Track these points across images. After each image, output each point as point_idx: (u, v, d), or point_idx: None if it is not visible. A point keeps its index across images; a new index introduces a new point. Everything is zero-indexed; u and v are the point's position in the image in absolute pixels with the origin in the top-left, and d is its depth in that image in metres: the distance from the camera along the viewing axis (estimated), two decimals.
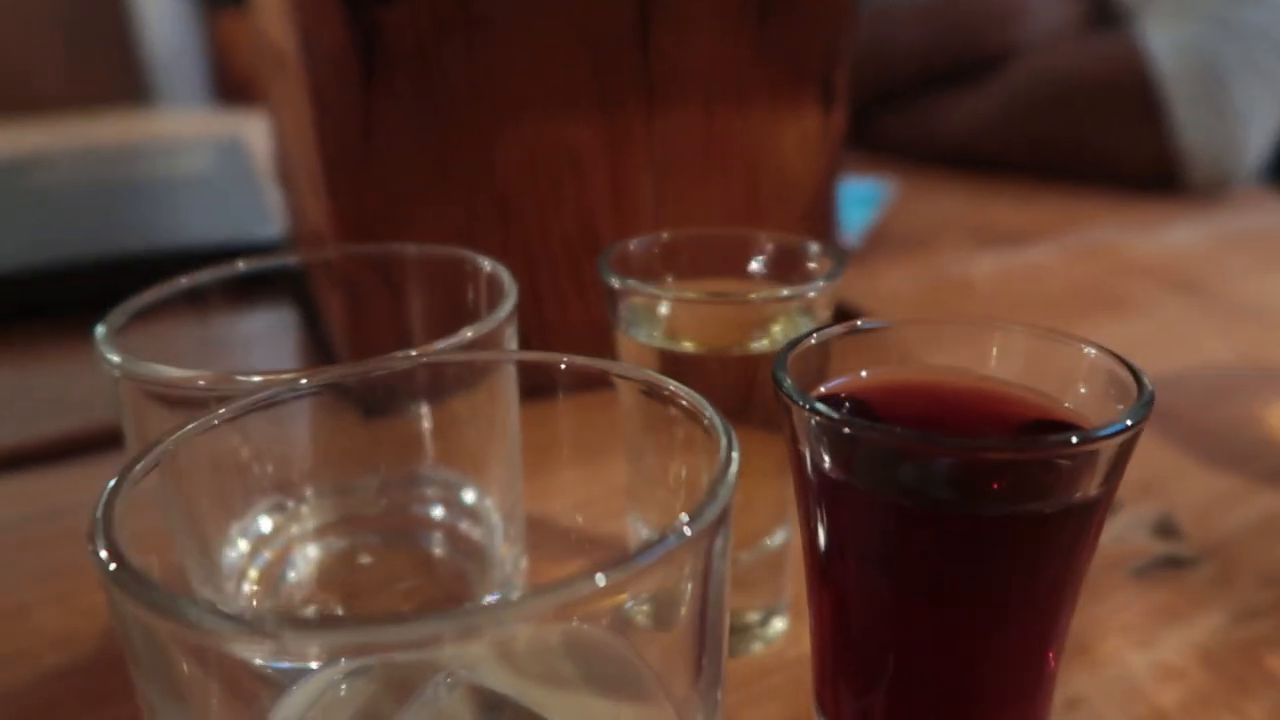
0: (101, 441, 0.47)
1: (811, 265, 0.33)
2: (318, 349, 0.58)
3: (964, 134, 0.92)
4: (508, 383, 0.32)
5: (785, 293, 0.31)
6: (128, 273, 0.63)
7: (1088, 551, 0.23)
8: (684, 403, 0.22)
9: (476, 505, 0.36)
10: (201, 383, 0.24)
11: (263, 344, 0.57)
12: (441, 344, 0.28)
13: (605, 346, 0.50)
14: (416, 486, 0.36)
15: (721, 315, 0.34)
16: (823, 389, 0.24)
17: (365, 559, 0.34)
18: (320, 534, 0.34)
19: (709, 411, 0.21)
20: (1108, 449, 0.21)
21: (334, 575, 0.33)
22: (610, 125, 0.49)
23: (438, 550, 0.35)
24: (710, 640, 0.21)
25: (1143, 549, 0.40)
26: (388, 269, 0.37)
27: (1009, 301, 0.67)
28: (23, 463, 0.47)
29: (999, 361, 0.25)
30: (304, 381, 0.24)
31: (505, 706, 0.23)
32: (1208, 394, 0.54)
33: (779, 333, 0.32)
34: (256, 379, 0.24)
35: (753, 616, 0.35)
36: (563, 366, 0.25)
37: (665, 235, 0.34)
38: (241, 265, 0.35)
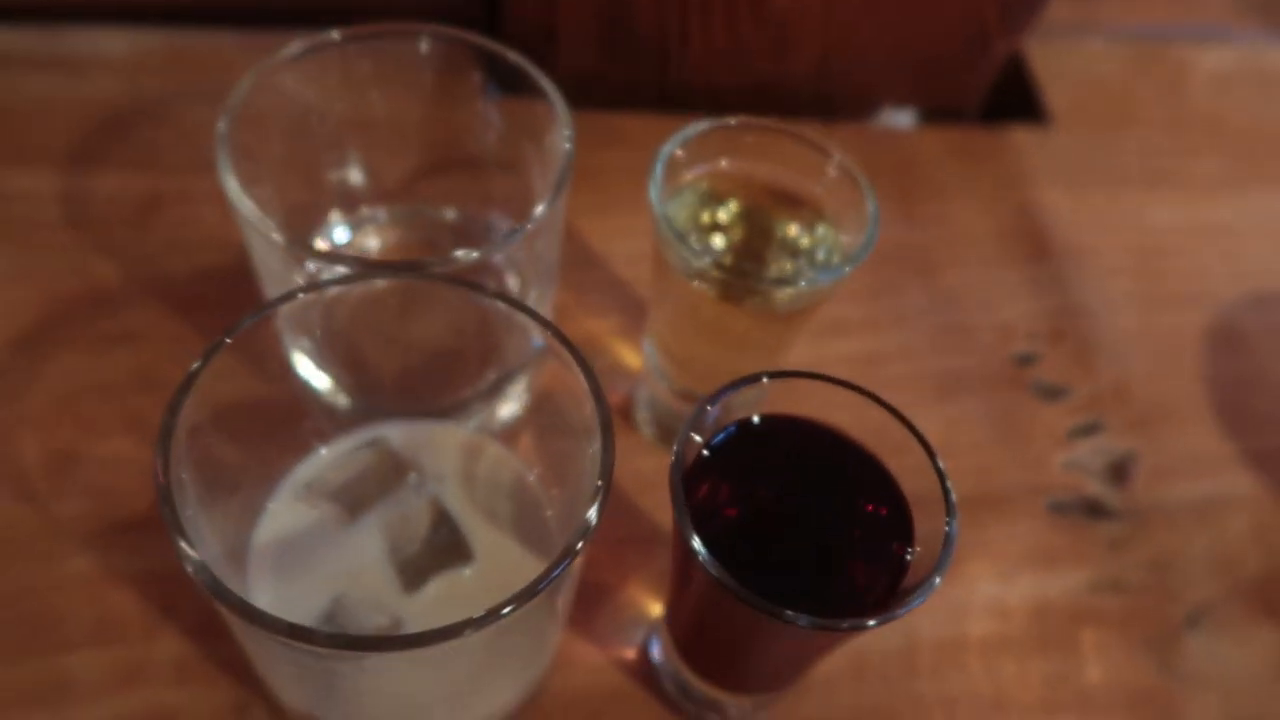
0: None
1: (851, 217, 0.35)
2: None
3: None
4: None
5: (802, 284, 0.33)
6: None
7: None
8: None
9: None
10: (276, 236, 0.30)
11: None
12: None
13: (743, 75, 0.51)
14: (486, 233, 0.43)
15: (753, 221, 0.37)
16: (712, 443, 0.28)
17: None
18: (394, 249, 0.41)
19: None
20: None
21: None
22: None
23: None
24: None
25: (1079, 485, 0.44)
26: None
27: (1208, 128, 0.60)
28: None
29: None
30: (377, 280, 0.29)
31: (447, 524, 0.32)
32: None
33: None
34: (341, 270, 0.29)
35: None
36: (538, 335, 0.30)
37: (732, 121, 0.35)
38: None
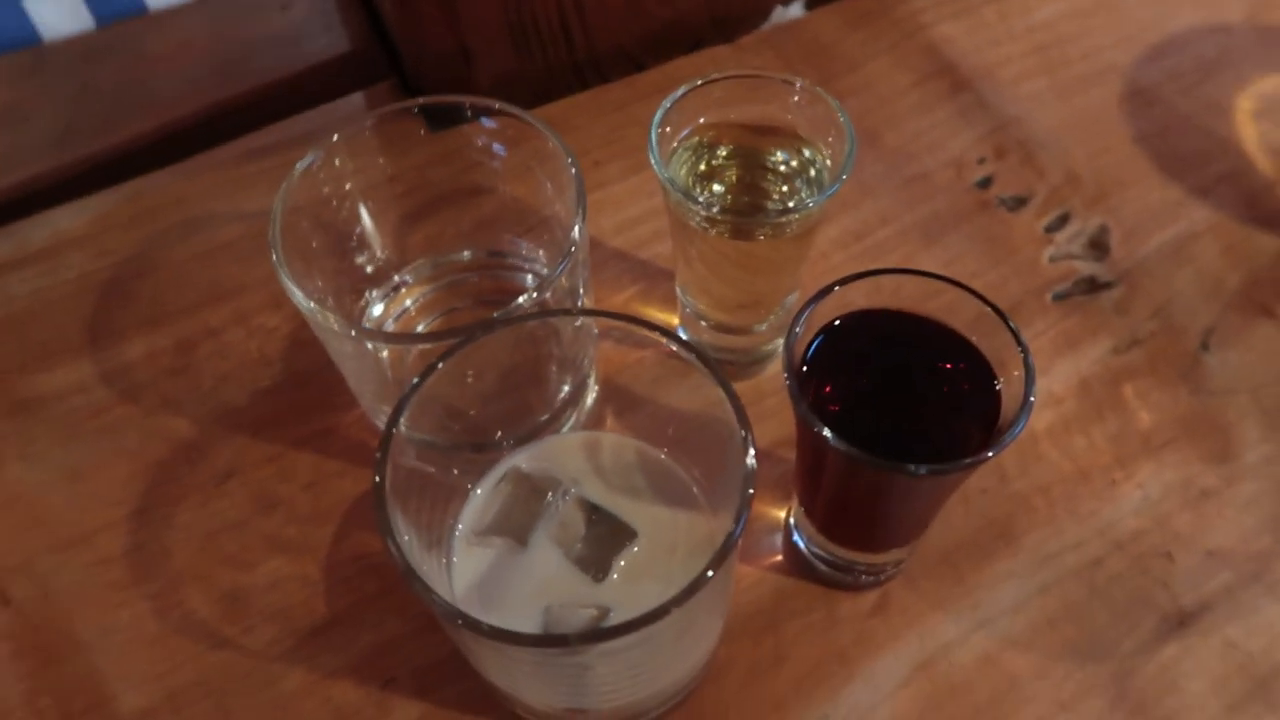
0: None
1: (827, 131, 0.39)
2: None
3: None
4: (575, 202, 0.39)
5: (810, 204, 0.37)
6: None
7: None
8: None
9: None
10: (355, 334, 0.33)
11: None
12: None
13: (642, 26, 0.54)
14: (503, 257, 0.46)
15: (747, 147, 0.41)
16: (808, 350, 0.33)
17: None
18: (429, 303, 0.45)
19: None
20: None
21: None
22: None
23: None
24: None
25: (1071, 270, 0.50)
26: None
27: None
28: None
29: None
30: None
31: (600, 515, 0.36)
32: (1197, 68, 0.58)
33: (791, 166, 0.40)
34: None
35: (768, 349, 0.47)
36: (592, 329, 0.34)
37: (699, 81, 0.39)
38: None
